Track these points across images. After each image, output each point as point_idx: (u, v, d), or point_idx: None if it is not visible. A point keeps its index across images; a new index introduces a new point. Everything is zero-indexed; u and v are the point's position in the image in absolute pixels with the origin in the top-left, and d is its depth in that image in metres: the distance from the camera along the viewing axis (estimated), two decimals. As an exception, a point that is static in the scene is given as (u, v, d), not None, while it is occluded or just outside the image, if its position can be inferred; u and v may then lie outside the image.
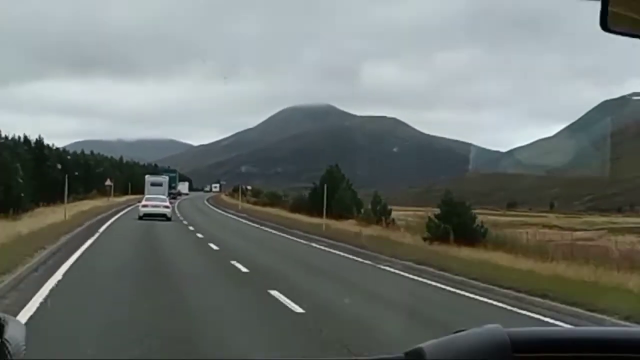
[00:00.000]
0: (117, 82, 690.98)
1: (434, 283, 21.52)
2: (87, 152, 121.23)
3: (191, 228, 45.52)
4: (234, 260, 24.53)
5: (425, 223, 38.94)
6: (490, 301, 18.00)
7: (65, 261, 22.62)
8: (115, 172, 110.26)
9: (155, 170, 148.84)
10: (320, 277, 22.54)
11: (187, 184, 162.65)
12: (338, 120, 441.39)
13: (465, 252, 30.51)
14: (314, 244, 36.08)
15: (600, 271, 23.09)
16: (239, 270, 22.42)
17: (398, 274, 23.97)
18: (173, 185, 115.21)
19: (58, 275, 19.08)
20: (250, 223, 58.08)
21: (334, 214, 55.23)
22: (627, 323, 14.35)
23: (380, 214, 54.49)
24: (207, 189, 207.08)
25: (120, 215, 58.99)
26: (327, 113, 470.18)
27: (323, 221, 48.20)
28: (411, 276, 23.13)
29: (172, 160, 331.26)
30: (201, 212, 77.69)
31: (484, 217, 46.05)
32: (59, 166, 70.10)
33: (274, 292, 16.77)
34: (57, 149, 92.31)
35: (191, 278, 20.40)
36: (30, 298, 14.81)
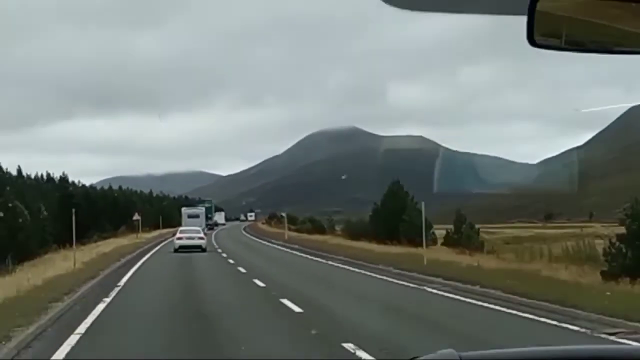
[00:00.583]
0: (142, 117, 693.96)
1: None
2: (116, 188, 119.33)
3: (243, 270, 34.88)
4: (315, 327, 16.30)
5: (604, 248, 27.44)
6: None
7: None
8: (145, 205, 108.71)
9: (188, 202, 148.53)
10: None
11: (223, 214, 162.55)
12: (364, 141, 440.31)
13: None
14: (427, 288, 25.72)
15: None
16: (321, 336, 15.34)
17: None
18: (209, 215, 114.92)
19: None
20: (307, 256, 48.03)
21: (401, 239, 49.25)
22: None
23: (466, 237, 48.12)
24: (243, 218, 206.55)
25: (150, 256, 50.14)
26: (352, 135, 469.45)
27: (420, 251, 37.13)
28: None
29: (202, 192, 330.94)
30: (247, 247, 64.68)
31: (527, 230, 42.89)
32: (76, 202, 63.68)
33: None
34: (84, 185, 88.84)
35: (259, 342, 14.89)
36: None
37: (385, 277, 30.36)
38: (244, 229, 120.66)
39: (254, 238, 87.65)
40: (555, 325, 16.64)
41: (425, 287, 25.85)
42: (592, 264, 28.31)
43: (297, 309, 19.49)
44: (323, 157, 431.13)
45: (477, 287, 24.47)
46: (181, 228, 63.49)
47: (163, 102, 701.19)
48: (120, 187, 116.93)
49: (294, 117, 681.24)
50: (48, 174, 76.04)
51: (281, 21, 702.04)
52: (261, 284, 27.18)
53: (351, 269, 35.76)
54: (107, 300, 22.32)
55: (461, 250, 42.36)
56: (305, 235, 79.05)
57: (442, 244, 50.76)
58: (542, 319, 17.54)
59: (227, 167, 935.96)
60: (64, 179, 72.69)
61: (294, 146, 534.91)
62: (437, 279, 27.82)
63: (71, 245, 38.86)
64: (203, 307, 20.90)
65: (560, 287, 22.48)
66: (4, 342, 14.38)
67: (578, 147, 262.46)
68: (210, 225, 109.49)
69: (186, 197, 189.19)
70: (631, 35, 2.30)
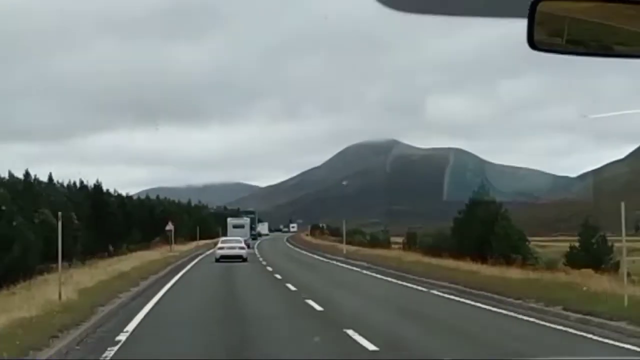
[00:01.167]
0: (182, 128, 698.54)
1: None
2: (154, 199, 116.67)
3: (318, 307, 22.80)
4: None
5: None
6: None
7: None
8: (183, 215, 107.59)
9: (229, 213, 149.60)
10: None
11: (266, 224, 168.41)
12: (403, 153, 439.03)
13: None
14: (594, 337, 16.58)
15: None
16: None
17: None
18: (253, 226, 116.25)
19: None
20: (390, 279, 36.88)
21: (492, 256, 41.26)
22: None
23: (598, 253, 41.30)
24: (285, 229, 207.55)
25: (181, 277, 39.20)
26: (391, 147, 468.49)
27: (563, 276, 28.27)
28: None
29: (241, 203, 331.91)
30: (304, 265, 53.19)
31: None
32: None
33: None
34: (119, 194, 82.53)
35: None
36: None
37: (575, 331, 17.54)
38: (287, 240, 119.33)
39: (305, 252, 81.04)
40: None
41: (589, 335, 16.75)
42: None
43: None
44: (362, 169, 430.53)
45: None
46: (223, 238, 65.19)
47: (203, 114, 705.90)
48: (157, 197, 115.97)
49: (333, 129, 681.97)
50: (81, 182, 70.02)
51: (319, 34, 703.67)
52: (367, 344, 15.22)
53: (486, 307, 22.97)
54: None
55: (601, 271, 33.32)
56: (366, 250, 68.62)
57: (565, 264, 41.28)
58: None
59: (266, 178, 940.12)
60: (98, 187, 68.57)
61: (333, 158, 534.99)
62: (617, 325, 17.41)
63: (104, 255, 33.40)
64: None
65: None
66: None
67: (620, 160, 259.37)
68: (254, 236, 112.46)
69: (225, 208, 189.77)
70: (633, 35, 2.27)
